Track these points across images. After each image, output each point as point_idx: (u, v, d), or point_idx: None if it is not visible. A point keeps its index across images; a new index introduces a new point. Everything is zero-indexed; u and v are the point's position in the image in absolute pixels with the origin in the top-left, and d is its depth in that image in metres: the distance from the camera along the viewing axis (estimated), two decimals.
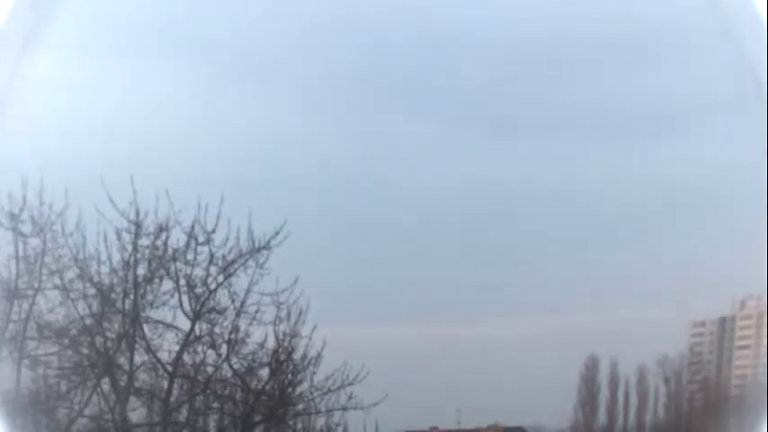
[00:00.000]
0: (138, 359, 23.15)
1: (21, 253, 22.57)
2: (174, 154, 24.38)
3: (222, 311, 23.31)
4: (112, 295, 23.11)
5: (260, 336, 23.55)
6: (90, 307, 22.92)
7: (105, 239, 22.67)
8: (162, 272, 23.23)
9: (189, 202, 22.53)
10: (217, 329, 23.34)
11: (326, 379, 23.52)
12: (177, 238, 23.04)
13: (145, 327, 23.18)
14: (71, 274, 22.89)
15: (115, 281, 23.09)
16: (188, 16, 24.26)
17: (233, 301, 23.28)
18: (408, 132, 26.98)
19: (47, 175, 21.84)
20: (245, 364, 23.72)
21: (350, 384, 23.40)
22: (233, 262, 23.19)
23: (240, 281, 23.31)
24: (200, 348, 23.44)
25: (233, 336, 23.39)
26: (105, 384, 23.01)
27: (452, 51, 25.60)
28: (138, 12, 23.41)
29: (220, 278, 23.27)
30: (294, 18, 24.43)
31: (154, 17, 23.79)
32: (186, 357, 23.45)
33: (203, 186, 22.51)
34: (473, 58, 25.86)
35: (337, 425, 24.34)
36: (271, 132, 26.14)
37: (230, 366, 23.61)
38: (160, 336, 23.33)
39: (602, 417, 30.64)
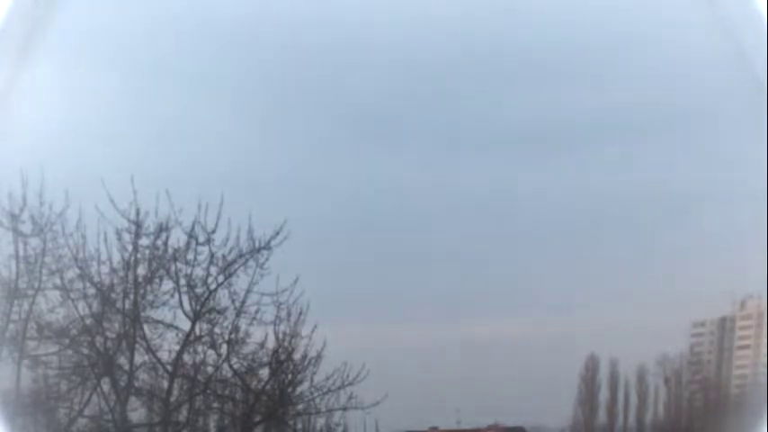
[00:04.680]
0: (138, 359, 23.19)
1: (21, 253, 22.62)
2: (174, 154, 24.37)
3: (222, 311, 23.35)
4: (112, 295, 23.14)
5: (260, 336, 23.62)
6: (90, 307, 22.95)
7: (105, 239, 22.73)
8: (162, 272, 23.27)
9: (189, 202, 22.57)
10: (217, 329, 23.40)
11: (326, 379, 23.57)
12: (177, 238, 23.11)
13: (145, 327, 23.22)
14: (71, 274, 22.94)
15: (115, 281, 23.13)
16: (190, 15, 24.26)
17: (233, 301, 23.34)
18: (411, 133, 26.99)
19: (47, 175, 21.89)
20: (245, 364, 23.77)
21: (350, 384, 23.44)
22: (233, 262, 23.24)
23: (240, 281, 23.37)
24: (200, 348, 23.49)
25: (233, 336, 23.43)
26: (105, 384, 23.03)
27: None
28: (140, 11, 23.41)
29: (220, 278, 23.32)
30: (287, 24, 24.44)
31: (155, 16, 23.78)
32: (186, 357, 23.49)
33: (203, 186, 22.54)
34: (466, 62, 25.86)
35: (337, 425, 24.36)
36: (271, 132, 26.14)
37: (230, 366, 23.65)
38: (160, 336, 23.39)
39: (602, 417, 30.64)
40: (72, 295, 22.87)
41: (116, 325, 23.16)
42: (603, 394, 30.44)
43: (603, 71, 25.88)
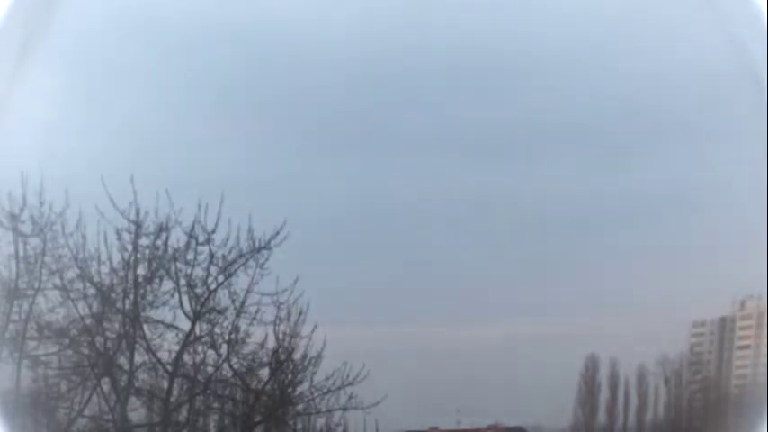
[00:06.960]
0: (138, 359, 23.20)
1: (21, 253, 22.63)
2: (174, 154, 24.37)
3: (222, 311, 23.37)
4: (112, 295, 23.15)
5: (260, 336, 23.63)
6: (90, 307, 22.96)
7: (105, 239, 22.74)
8: (162, 272, 23.29)
9: (189, 202, 22.57)
10: (217, 329, 23.41)
11: (326, 379, 23.58)
12: (177, 238, 23.13)
13: (145, 327, 23.23)
14: (71, 274, 22.95)
15: (115, 281, 23.14)
16: (192, 15, 24.25)
17: (233, 301, 23.35)
18: (412, 133, 26.98)
19: (47, 175, 21.88)
20: (245, 364, 23.78)
21: (350, 384, 23.46)
22: (233, 262, 23.25)
23: (240, 281, 23.40)
24: (200, 348, 23.50)
25: (233, 336, 23.44)
26: (105, 384, 23.05)
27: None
28: (141, 10, 23.40)
29: (220, 278, 23.33)
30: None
31: (157, 16, 23.78)
32: (186, 357, 23.50)
33: (203, 186, 22.54)
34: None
35: (337, 425, 24.36)
36: (271, 132, 26.14)
37: (230, 366, 23.65)
38: (160, 336, 23.39)
39: (602, 417, 30.61)
40: (72, 295, 22.89)
41: (116, 325, 23.18)
42: (603, 394, 30.42)
43: (603, 71, 25.88)
